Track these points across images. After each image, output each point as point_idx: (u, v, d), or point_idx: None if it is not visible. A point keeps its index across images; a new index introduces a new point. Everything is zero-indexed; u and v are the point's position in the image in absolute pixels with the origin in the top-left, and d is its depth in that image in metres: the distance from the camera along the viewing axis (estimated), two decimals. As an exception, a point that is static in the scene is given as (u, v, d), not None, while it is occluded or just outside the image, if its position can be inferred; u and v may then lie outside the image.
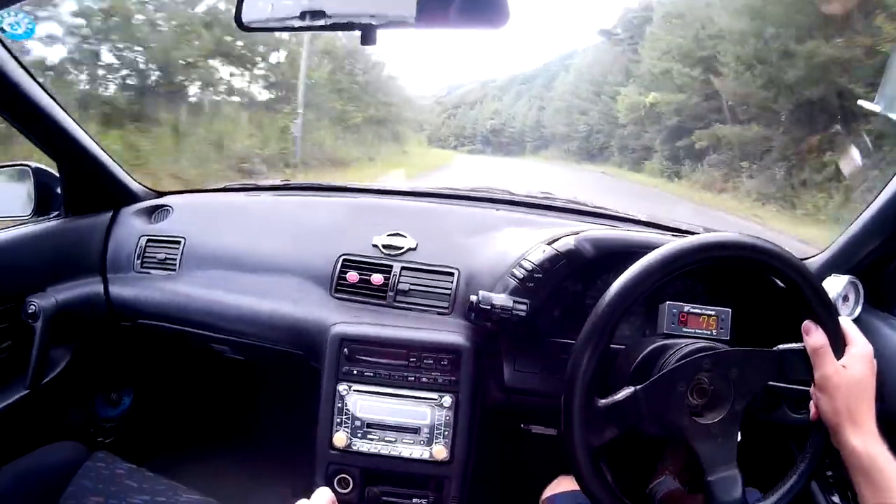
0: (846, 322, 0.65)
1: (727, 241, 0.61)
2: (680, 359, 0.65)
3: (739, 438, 0.63)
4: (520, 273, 0.85)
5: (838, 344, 0.62)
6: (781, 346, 0.64)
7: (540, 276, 0.84)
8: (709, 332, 0.78)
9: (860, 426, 0.59)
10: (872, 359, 0.63)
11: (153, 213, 1.19)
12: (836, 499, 0.85)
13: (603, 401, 0.61)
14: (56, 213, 1.14)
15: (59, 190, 1.13)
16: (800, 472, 0.64)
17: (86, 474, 1.00)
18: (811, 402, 0.64)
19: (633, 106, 17.94)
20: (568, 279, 0.85)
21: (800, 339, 0.64)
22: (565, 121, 28.05)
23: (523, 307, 0.81)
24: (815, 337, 0.62)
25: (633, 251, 0.67)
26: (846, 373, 0.61)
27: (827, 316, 0.63)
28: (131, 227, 1.16)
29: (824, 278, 0.89)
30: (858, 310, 0.88)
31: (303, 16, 0.77)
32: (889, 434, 0.59)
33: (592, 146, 23.73)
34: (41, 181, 1.12)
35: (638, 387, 0.59)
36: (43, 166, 1.13)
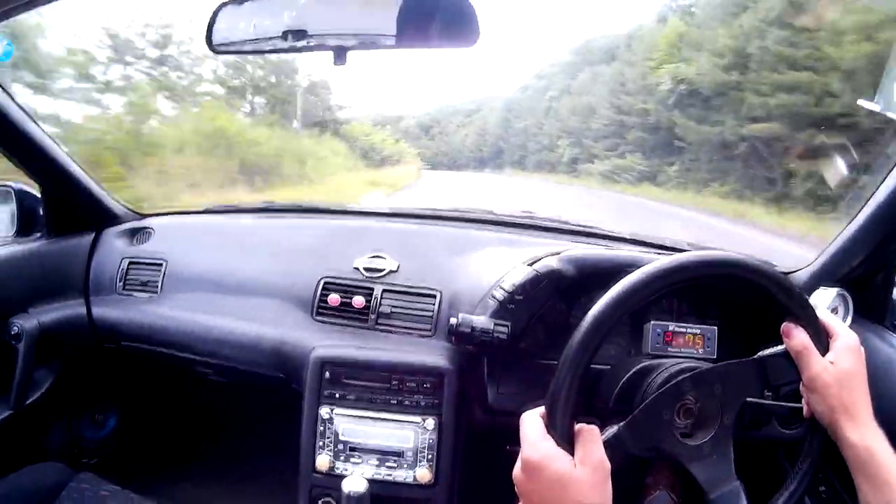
0: (826, 315, 0.63)
1: (687, 261, 0.59)
2: (661, 384, 0.63)
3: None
4: (500, 295, 0.83)
5: (821, 340, 0.61)
6: (762, 353, 0.63)
7: (521, 297, 0.82)
8: (695, 351, 0.77)
9: (857, 420, 0.57)
10: (860, 348, 0.61)
11: (135, 234, 1.18)
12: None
13: None
14: (38, 233, 1.13)
15: (41, 211, 1.12)
16: (800, 476, 0.62)
17: (69, 496, 0.99)
18: (803, 402, 0.62)
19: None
20: (550, 300, 0.84)
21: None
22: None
23: (504, 329, 0.80)
24: (796, 337, 0.60)
25: (615, 270, 0.66)
26: (835, 368, 0.59)
27: (805, 314, 0.61)
28: (113, 248, 1.16)
29: (812, 291, 0.88)
30: (848, 321, 0.87)
31: (284, 35, 0.77)
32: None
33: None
34: (23, 202, 1.12)
35: (621, 424, 0.57)
36: (25, 187, 1.13)
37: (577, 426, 0.54)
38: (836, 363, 0.59)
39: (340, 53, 0.68)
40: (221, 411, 1.49)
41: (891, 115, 0.92)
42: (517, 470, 0.53)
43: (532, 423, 0.54)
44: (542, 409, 0.56)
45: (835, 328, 0.62)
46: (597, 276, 0.80)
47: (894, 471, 0.55)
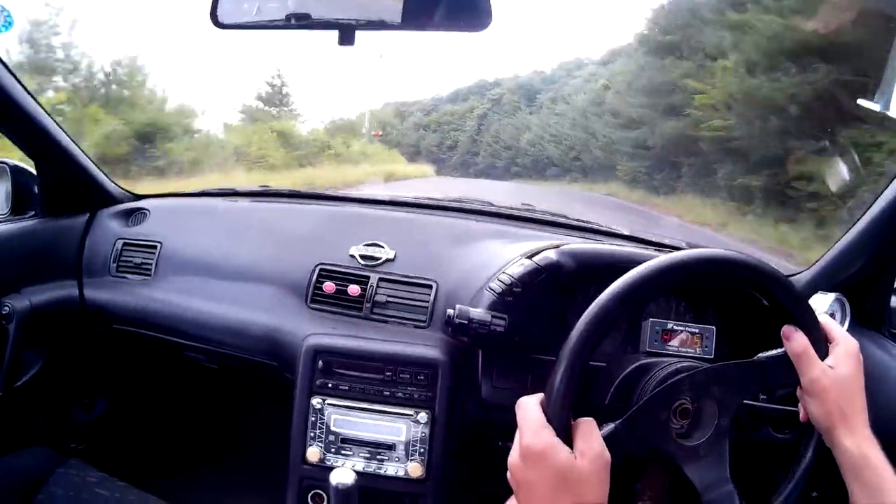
0: (827, 320, 0.63)
1: (691, 258, 0.58)
2: (658, 384, 0.63)
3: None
4: (498, 287, 0.82)
5: (821, 344, 0.60)
6: (761, 355, 0.62)
7: (519, 290, 0.81)
8: (692, 351, 0.76)
9: (853, 426, 0.57)
10: (859, 354, 0.60)
11: (130, 216, 1.16)
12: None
13: None
14: (33, 212, 1.11)
15: (36, 189, 1.11)
16: (794, 481, 0.62)
17: (57, 481, 0.98)
18: (800, 406, 0.61)
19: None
20: (548, 294, 0.83)
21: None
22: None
23: (501, 322, 0.79)
24: (796, 341, 0.59)
25: (615, 266, 0.65)
26: (833, 373, 0.58)
27: (805, 317, 0.60)
28: (108, 229, 1.14)
29: (810, 296, 0.87)
30: (845, 328, 0.86)
31: (288, 19, 0.76)
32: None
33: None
34: (19, 180, 1.10)
35: (618, 422, 0.56)
36: (21, 164, 1.11)
37: (575, 420, 0.53)
38: (836, 368, 0.58)
39: (347, 33, 0.68)
40: (212, 399, 1.48)
41: (891, 114, 0.92)
42: (515, 457, 0.52)
43: (532, 409, 0.53)
44: (539, 395, 0.55)
45: (835, 333, 0.61)
46: (596, 270, 0.79)
47: (888, 477, 0.55)
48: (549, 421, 0.52)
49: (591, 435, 0.51)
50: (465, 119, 39.06)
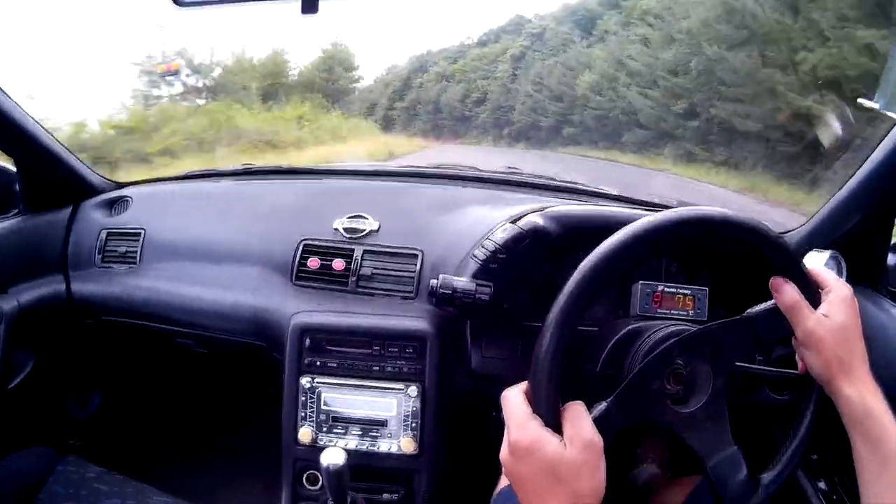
0: (816, 267, 0.61)
1: (675, 217, 0.56)
2: (649, 350, 0.61)
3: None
4: (482, 254, 0.80)
5: (812, 293, 0.58)
6: (751, 310, 0.60)
7: (504, 256, 0.79)
8: (685, 313, 0.74)
9: (853, 374, 0.55)
10: (854, 300, 0.58)
11: (113, 205, 1.15)
12: (822, 485, 0.83)
13: None
14: (15, 210, 1.10)
15: (17, 187, 1.10)
16: (798, 438, 0.60)
17: (57, 479, 0.98)
18: (797, 357, 0.60)
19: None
20: (534, 259, 0.81)
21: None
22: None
23: (487, 290, 0.77)
24: (786, 293, 0.57)
25: (602, 227, 0.63)
26: (829, 321, 0.56)
27: (793, 267, 0.58)
28: (91, 221, 1.13)
29: (805, 253, 0.85)
30: None
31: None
32: None
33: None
34: (-1, 178, 1.09)
35: (609, 400, 0.53)
36: (0, 163, 1.10)
37: (564, 405, 0.51)
38: (830, 316, 0.56)
39: (310, 1, 0.65)
40: (205, 386, 1.47)
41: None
42: (505, 452, 0.50)
43: (516, 402, 0.51)
44: (523, 385, 0.53)
45: (827, 280, 0.59)
46: (583, 233, 0.76)
47: (889, 428, 0.53)
48: (535, 408, 0.50)
49: (580, 420, 0.49)
50: (497, 63, 25.67)
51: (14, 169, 1.09)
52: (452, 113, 25.48)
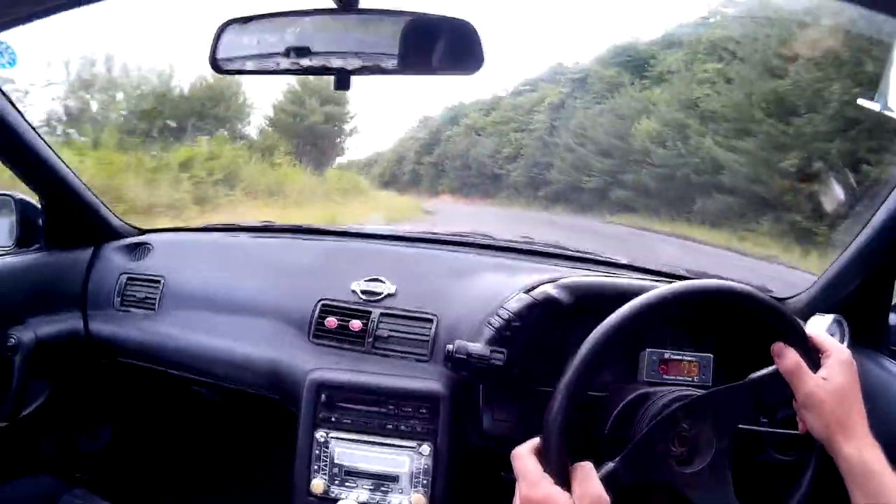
0: (816, 332, 0.64)
1: (680, 291, 0.60)
2: (656, 414, 0.64)
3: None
4: (497, 322, 0.84)
5: (812, 357, 0.61)
6: (752, 375, 0.63)
7: (518, 324, 0.83)
8: (690, 379, 0.77)
9: (853, 434, 0.58)
10: (852, 362, 0.61)
11: (134, 250, 1.18)
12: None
13: None
14: (37, 245, 1.13)
15: (41, 222, 1.12)
16: (800, 493, 0.63)
17: None
18: (798, 419, 0.63)
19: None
20: (547, 327, 0.84)
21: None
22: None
23: (500, 356, 0.80)
24: (787, 357, 0.60)
25: (613, 297, 0.66)
26: (828, 384, 0.59)
27: (794, 333, 0.62)
28: (112, 263, 1.15)
29: (808, 318, 0.87)
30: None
31: (287, 52, 0.78)
32: None
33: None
34: (23, 213, 1.12)
35: (616, 460, 0.57)
36: (26, 198, 1.13)
37: (573, 464, 0.54)
38: (829, 379, 0.60)
39: (343, 77, 0.69)
40: (216, 430, 1.48)
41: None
42: None
43: (527, 459, 0.54)
44: (533, 443, 0.56)
45: (826, 344, 0.63)
46: (594, 303, 0.80)
47: (888, 482, 0.56)
48: (546, 467, 0.53)
49: (589, 478, 0.52)
50: (533, 114, 20.97)
51: (39, 205, 1.11)
52: (481, 170, 21.91)
